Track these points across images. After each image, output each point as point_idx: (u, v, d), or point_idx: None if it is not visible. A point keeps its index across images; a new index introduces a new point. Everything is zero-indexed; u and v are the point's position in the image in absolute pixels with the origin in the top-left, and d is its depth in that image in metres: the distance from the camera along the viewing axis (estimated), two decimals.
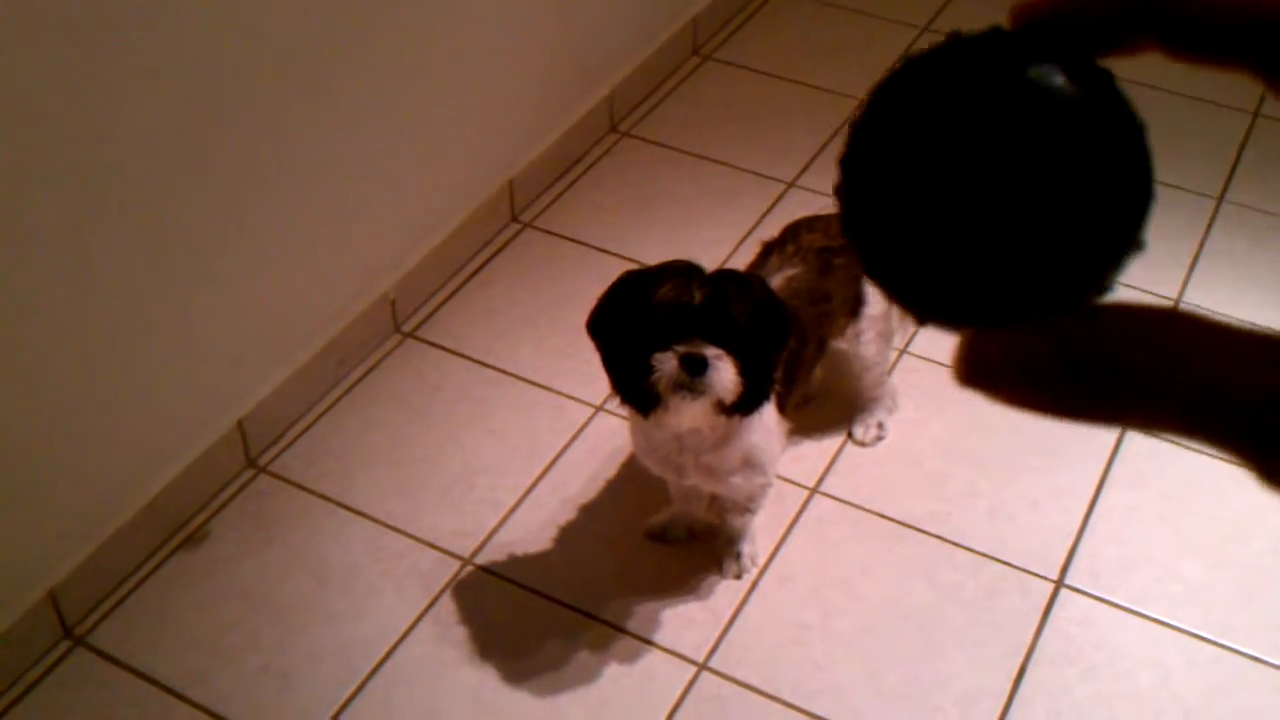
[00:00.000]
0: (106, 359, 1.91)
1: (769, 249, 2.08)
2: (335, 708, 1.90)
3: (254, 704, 1.91)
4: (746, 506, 2.00)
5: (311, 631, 2.00)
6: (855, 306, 2.09)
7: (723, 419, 1.75)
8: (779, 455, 1.95)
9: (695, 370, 1.63)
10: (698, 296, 1.64)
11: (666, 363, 1.63)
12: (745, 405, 1.71)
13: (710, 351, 1.63)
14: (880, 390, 2.28)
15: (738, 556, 2.08)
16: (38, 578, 1.94)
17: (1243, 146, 3.02)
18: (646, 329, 1.65)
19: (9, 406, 1.78)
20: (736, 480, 1.89)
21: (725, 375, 1.64)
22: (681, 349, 1.63)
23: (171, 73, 1.83)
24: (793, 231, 2.09)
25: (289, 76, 2.05)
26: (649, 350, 1.64)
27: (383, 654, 1.97)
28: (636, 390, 1.69)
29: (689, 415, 1.71)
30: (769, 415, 1.85)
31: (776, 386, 1.80)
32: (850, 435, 2.30)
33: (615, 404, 2.24)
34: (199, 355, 2.09)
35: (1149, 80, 3.19)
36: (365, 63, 2.21)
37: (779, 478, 2.12)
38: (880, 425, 2.30)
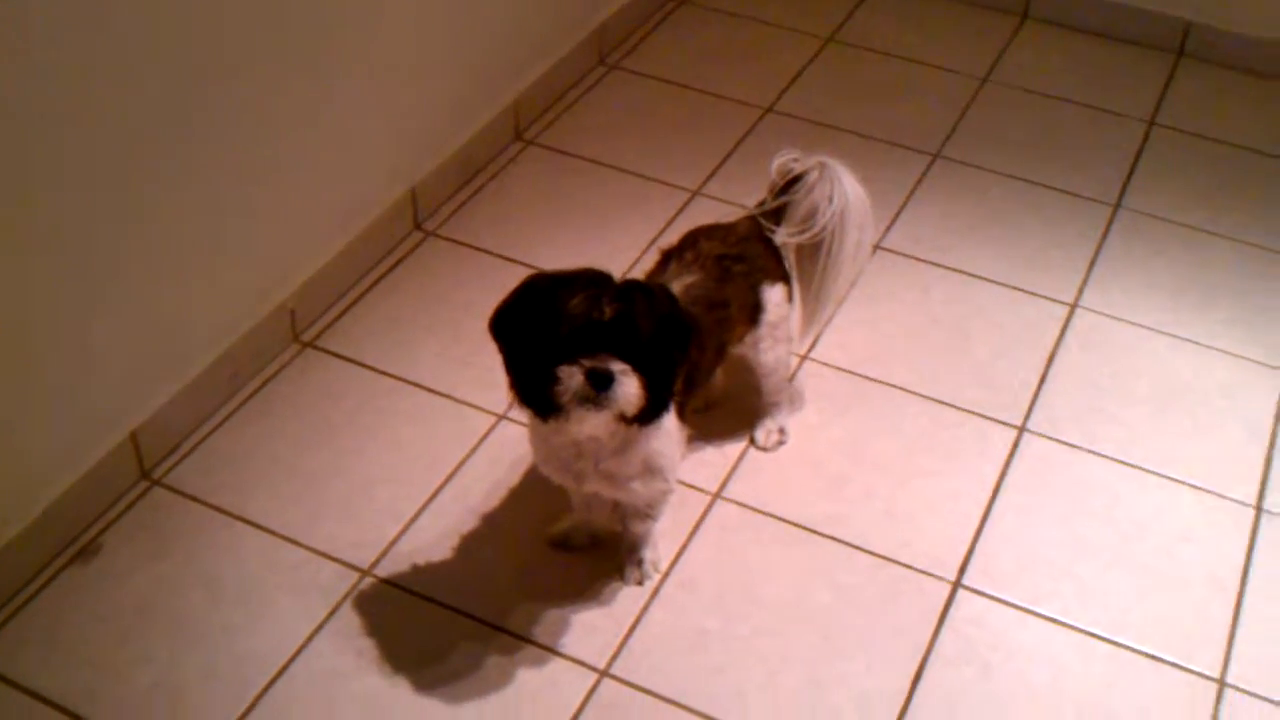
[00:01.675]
0: None
1: (668, 256, 2.09)
2: None
3: None
4: (647, 513, 2.00)
5: (206, 646, 1.97)
6: (754, 314, 2.10)
7: (623, 428, 1.75)
8: (679, 460, 1.95)
9: (601, 385, 1.63)
10: (608, 311, 1.63)
11: (572, 376, 1.63)
12: (646, 416, 1.71)
13: (617, 367, 1.63)
14: (780, 395, 2.29)
15: (639, 563, 2.08)
16: None
17: (1139, 154, 3.08)
18: (554, 339, 1.64)
19: None
20: (636, 486, 1.89)
21: (629, 390, 1.64)
22: (588, 363, 1.63)
23: (69, 75, 1.80)
24: (691, 239, 2.10)
25: (186, 75, 2.02)
26: (555, 361, 1.63)
27: (279, 667, 1.95)
28: (538, 397, 1.68)
29: (590, 426, 1.71)
30: (669, 421, 1.85)
31: (677, 396, 1.80)
32: (752, 440, 2.31)
33: (517, 412, 2.24)
34: (90, 364, 2.05)
35: (1046, 89, 3.25)
36: (266, 65, 2.18)
37: (681, 483, 2.13)
38: (782, 430, 2.31)
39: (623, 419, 1.70)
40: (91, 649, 1.96)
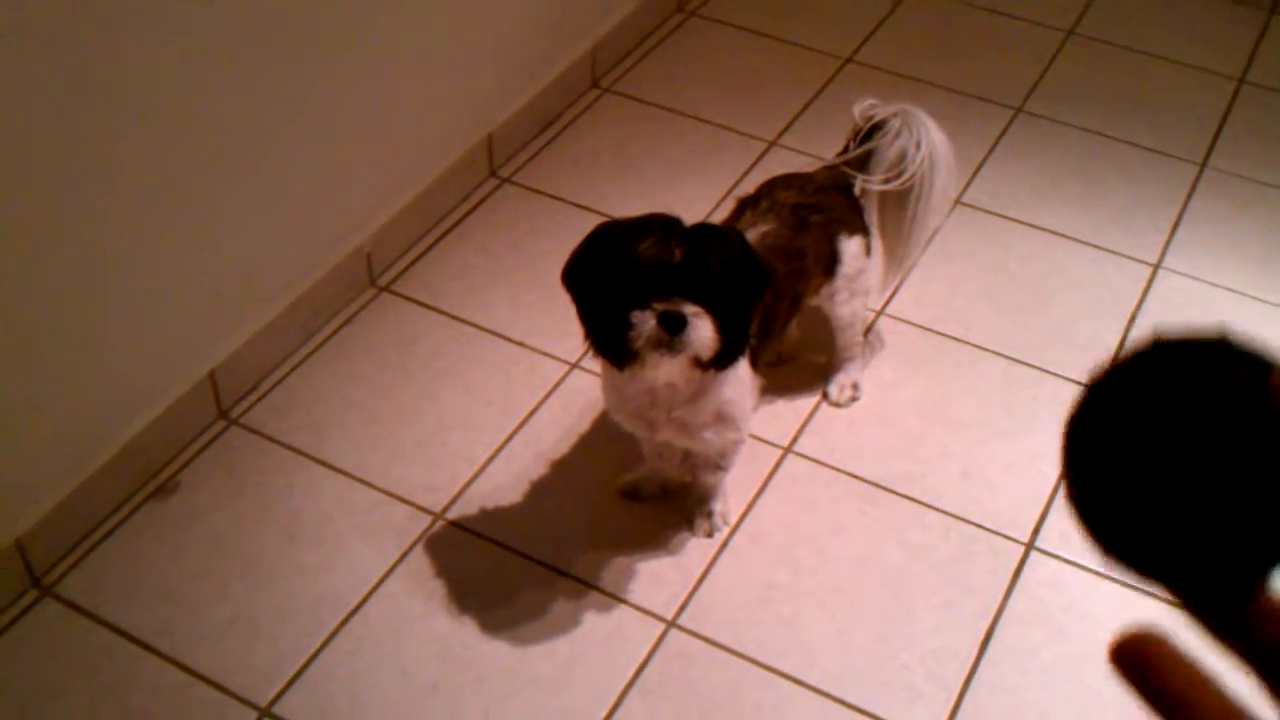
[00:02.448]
0: (79, 302, 1.90)
1: (744, 205, 2.07)
2: (304, 659, 1.90)
3: (222, 655, 1.90)
4: (719, 464, 1.99)
5: (281, 583, 2.00)
6: (830, 265, 2.08)
7: (697, 373, 1.75)
8: (752, 411, 1.94)
9: (674, 328, 1.62)
10: (678, 253, 1.62)
11: (645, 321, 1.62)
12: (721, 360, 1.70)
13: (689, 309, 1.62)
14: (855, 350, 2.27)
15: (709, 515, 2.08)
16: (5, 525, 1.93)
17: (1227, 113, 3.00)
18: (625, 285, 1.63)
19: None
20: (709, 435, 1.88)
21: (703, 333, 1.63)
22: (660, 307, 1.62)
23: (153, 21, 1.80)
24: (768, 188, 2.08)
25: (269, 28, 2.02)
26: (627, 306, 1.63)
27: (352, 606, 1.97)
28: (613, 345, 1.67)
29: (665, 371, 1.71)
30: (743, 370, 1.84)
31: (751, 341, 1.79)
32: (825, 395, 2.30)
33: (590, 360, 2.24)
34: (171, 303, 2.08)
35: (1133, 44, 3.17)
36: (345, 14, 2.18)
37: (752, 436, 2.12)
38: (855, 385, 2.30)
39: (697, 363, 1.69)
40: (168, 584, 2.00)
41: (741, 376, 1.85)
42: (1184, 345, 0.36)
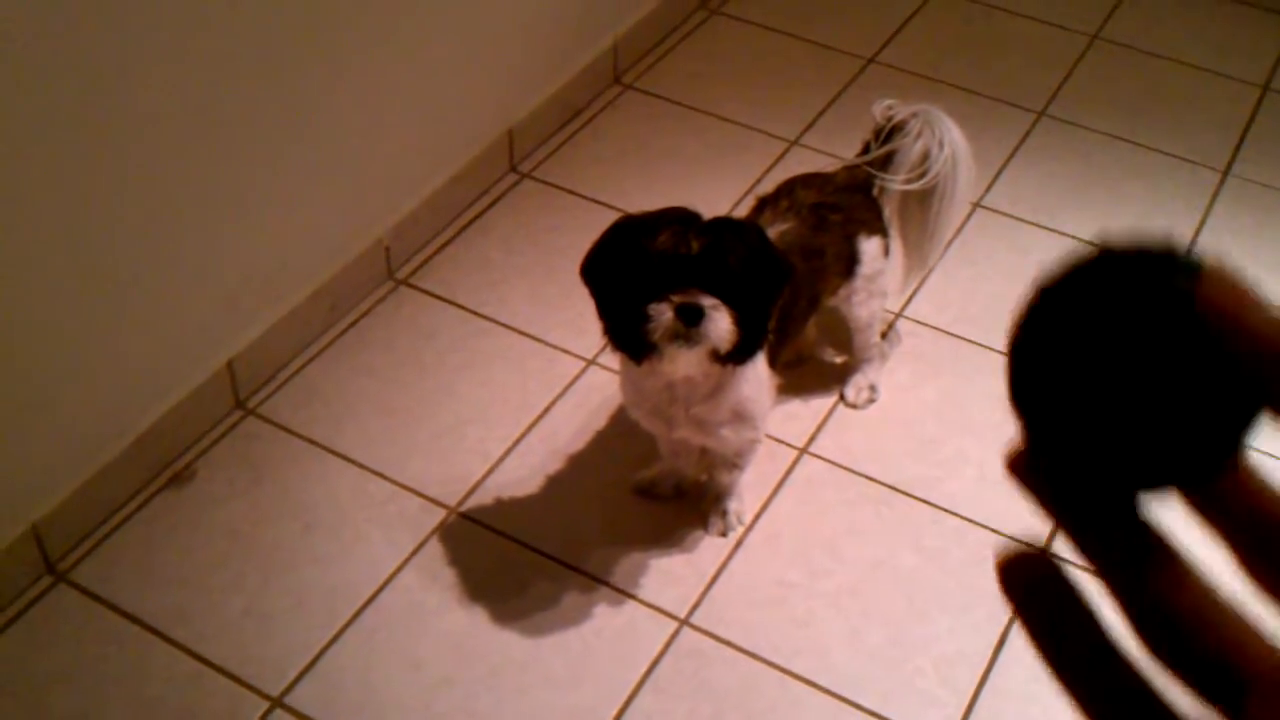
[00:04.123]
0: (99, 291, 1.90)
1: (763, 203, 2.07)
2: (317, 650, 1.90)
3: (236, 645, 1.91)
4: (735, 462, 1.99)
5: (296, 574, 2.00)
6: (849, 266, 2.08)
7: (716, 368, 1.74)
8: (769, 409, 1.94)
9: (691, 320, 1.61)
10: (695, 246, 1.62)
11: (662, 313, 1.62)
12: (739, 355, 1.70)
13: (707, 301, 1.62)
14: (872, 352, 2.27)
15: (724, 514, 2.07)
16: (21, 512, 1.94)
17: (1251, 120, 2.99)
18: (642, 277, 1.63)
19: None
20: (726, 433, 1.88)
21: (721, 325, 1.63)
22: (678, 299, 1.61)
23: (180, 13, 1.81)
24: (788, 187, 2.07)
25: (290, 20, 2.02)
26: (645, 299, 1.62)
27: (366, 598, 1.97)
28: (630, 338, 1.67)
29: (683, 364, 1.70)
30: (760, 368, 1.84)
31: (769, 338, 1.79)
32: (842, 397, 2.29)
33: (607, 357, 2.24)
34: (191, 293, 2.08)
35: (1158, 50, 3.16)
36: (367, 7, 2.18)
37: (769, 436, 2.12)
38: (872, 388, 2.29)
39: (715, 357, 1.68)
40: (184, 572, 2.00)
41: (759, 375, 1.84)
42: (1130, 252, 0.39)
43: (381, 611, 1.95)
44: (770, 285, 1.72)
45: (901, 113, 2.10)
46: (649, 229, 1.65)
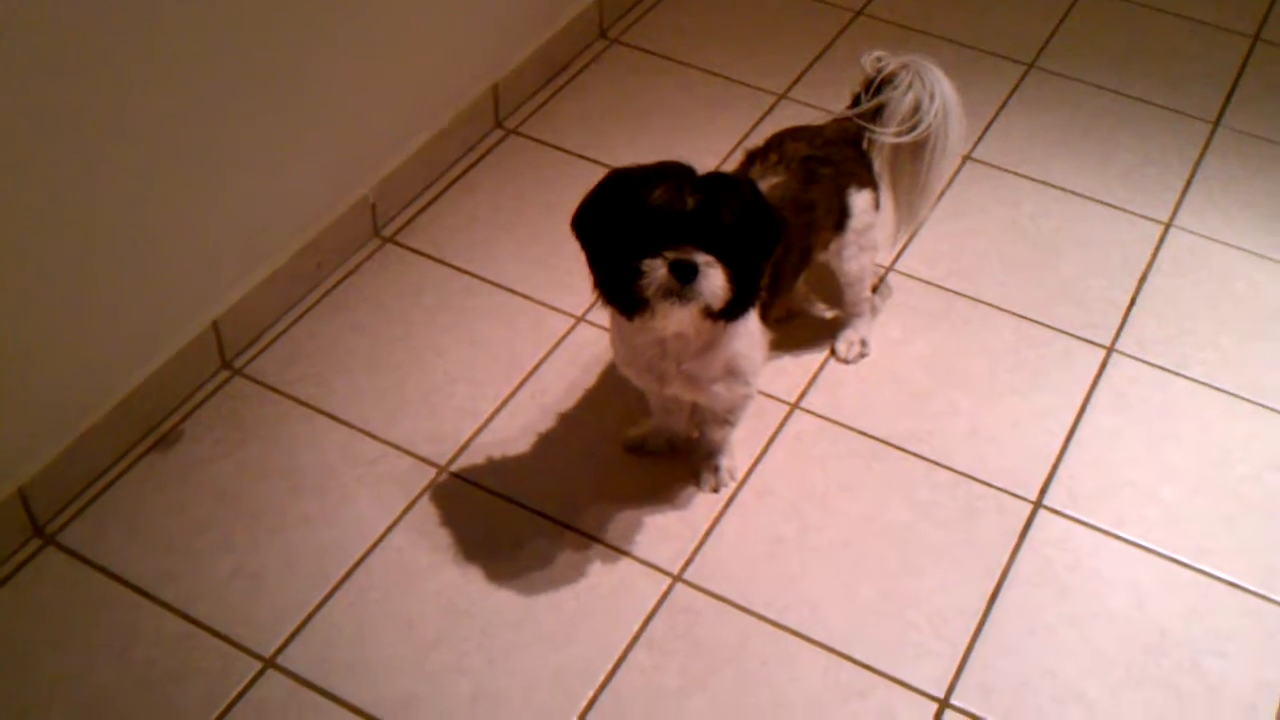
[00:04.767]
0: (78, 252, 1.87)
1: (752, 157, 2.05)
2: (307, 611, 1.89)
3: (225, 605, 1.89)
4: (726, 418, 1.98)
5: (285, 535, 1.99)
6: (839, 219, 2.06)
7: (708, 325, 1.73)
8: (761, 365, 1.93)
9: (685, 278, 1.59)
10: (690, 202, 1.60)
11: (656, 269, 1.60)
12: (732, 311, 1.68)
13: (701, 258, 1.60)
14: (863, 306, 2.25)
15: (715, 470, 2.06)
16: (7, 475, 1.92)
17: (1241, 70, 2.97)
18: (636, 232, 1.61)
19: None
20: (718, 389, 1.87)
21: (715, 282, 1.61)
22: (672, 255, 1.59)
23: None
24: (777, 140, 2.05)
25: None
26: (638, 255, 1.60)
27: (356, 558, 1.96)
28: (622, 294, 1.65)
29: (675, 321, 1.68)
30: (752, 323, 1.82)
31: (761, 297, 1.77)
32: (832, 352, 2.28)
33: (597, 313, 2.23)
34: (175, 252, 2.05)
35: (1150, 1, 3.13)
36: None
37: (760, 393, 2.10)
38: (863, 342, 2.28)
39: (708, 314, 1.67)
40: (172, 534, 1.99)
41: (751, 330, 1.83)
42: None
43: (372, 571, 1.94)
44: (764, 242, 1.70)
45: (891, 64, 2.07)
46: (643, 183, 1.63)
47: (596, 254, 1.70)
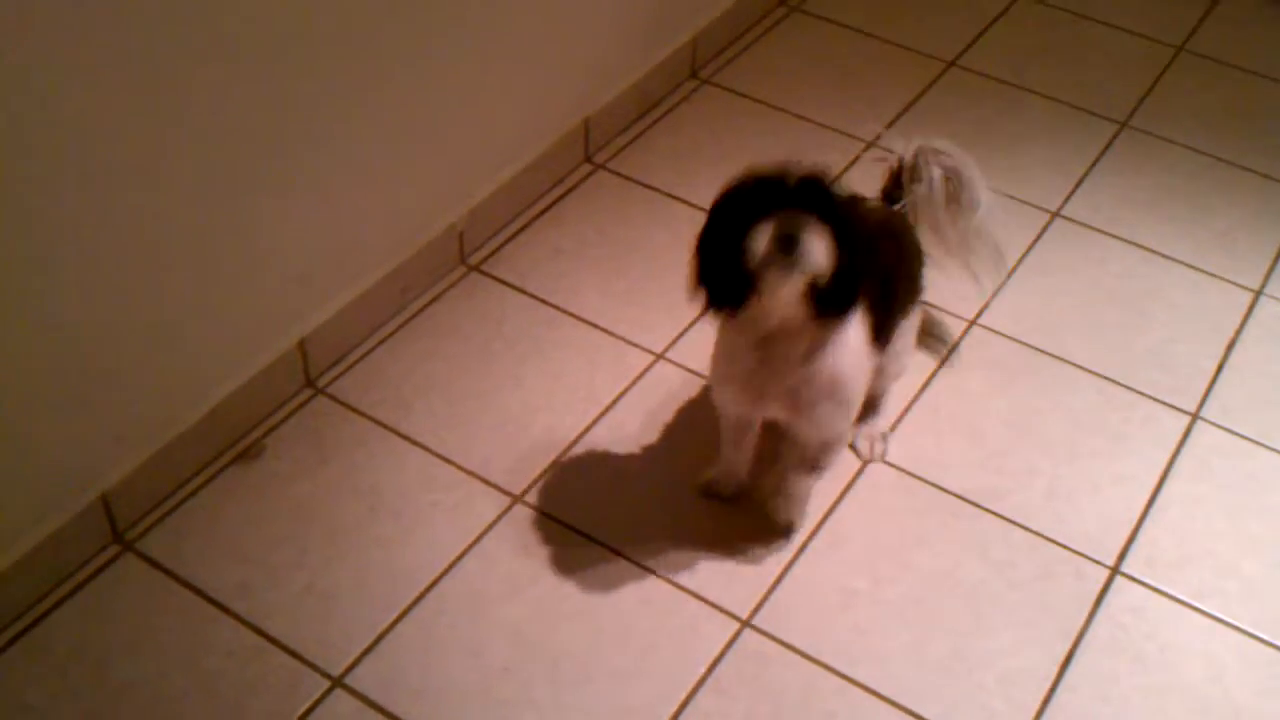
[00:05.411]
0: (173, 266, 1.91)
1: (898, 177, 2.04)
2: (378, 631, 1.90)
3: (297, 622, 1.91)
4: (817, 460, 1.94)
5: (359, 555, 2.00)
6: (918, 289, 2.04)
7: (812, 326, 1.69)
8: (863, 393, 1.88)
9: (788, 246, 1.57)
10: (796, 177, 1.59)
11: (761, 236, 1.58)
12: (837, 301, 1.65)
13: (806, 222, 1.58)
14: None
15: (789, 498, 2.03)
16: (91, 480, 1.95)
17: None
18: (745, 207, 1.60)
19: (74, 308, 1.78)
20: (820, 412, 1.82)
21: (820, 249, 1.58)
22: (779, 220, 1.57)
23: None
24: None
25: (370, 2, 2.03)
26: (746, 224, 1.59)
27: (428, 582, 1.97)
28: (728, 276, 1.63)
29: (783, 300, 1.64)
30: (857, 340, 1.78)
31: (874, 310, 1.76)
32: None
33: (677, 351, 2.23)
34: (265, 271, 2.09)
35: (1244, 64, 3.10)
36: None
37: None
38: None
39: (813, 308, 1.64)
40: (248, 547, 2.01)
41: (855, 348, 1.79)
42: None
43: (444, 597, 1.95)
44: (872, 239, 1.69)
45: (905, 154, 2.03)
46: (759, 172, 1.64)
47: (708, 242, 1.69)
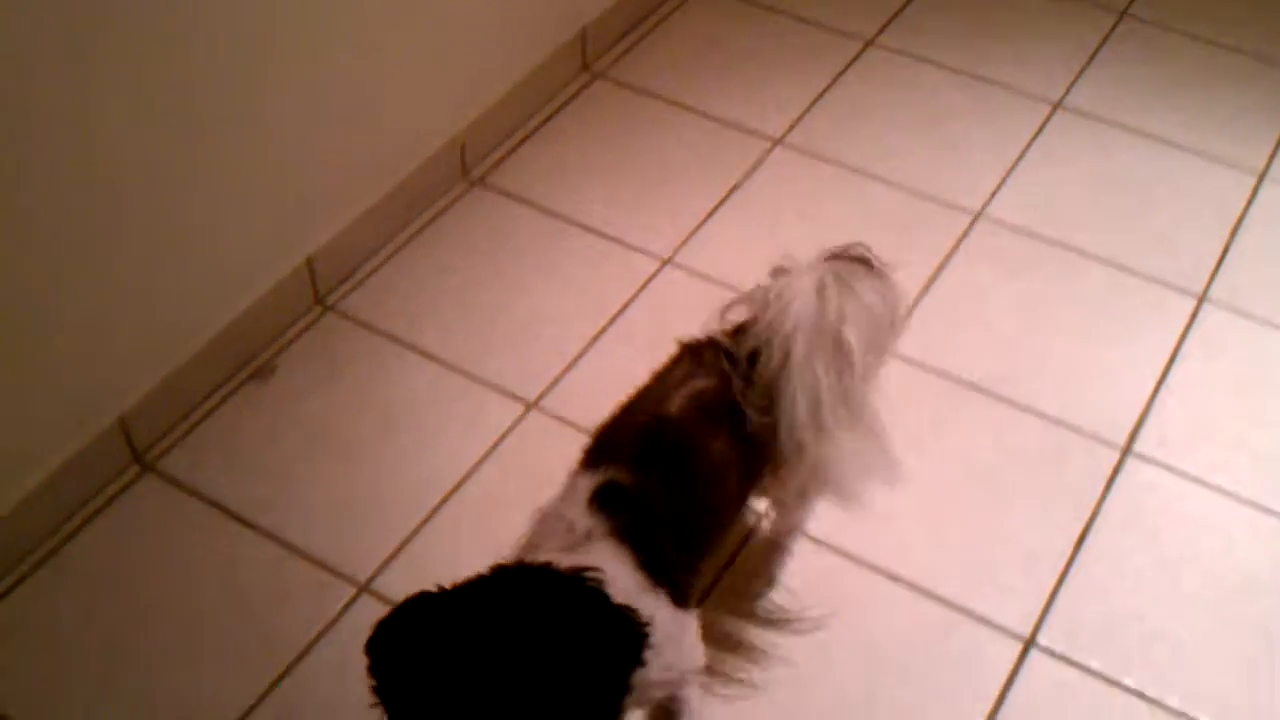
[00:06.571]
0: (181, 185, 1.91)
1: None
2: (402, 537, 1.93)
3: (321, 533, 1.93)
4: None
5: (377, 467, 2.02)
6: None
7: None
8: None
9: None
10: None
11: None
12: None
13: None
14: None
15: None
16: (109, 403, 1.97)
17: None
18: None
19: (85, 231, 1.79)
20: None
21: None
22: None
23: None
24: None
25: None
26: None
27: (445, 493, 1.99)
28: None
29: None
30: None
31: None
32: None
33: (683, 254, 2.23)
34: (270, 189, 2.09)
35: None
36: None
37: None
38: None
39: None
40: (268, 464, 2.03)
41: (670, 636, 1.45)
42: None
43: (464, 502, 1.97)
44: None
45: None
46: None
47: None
